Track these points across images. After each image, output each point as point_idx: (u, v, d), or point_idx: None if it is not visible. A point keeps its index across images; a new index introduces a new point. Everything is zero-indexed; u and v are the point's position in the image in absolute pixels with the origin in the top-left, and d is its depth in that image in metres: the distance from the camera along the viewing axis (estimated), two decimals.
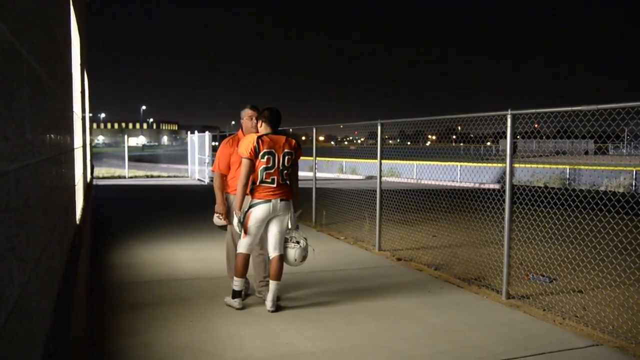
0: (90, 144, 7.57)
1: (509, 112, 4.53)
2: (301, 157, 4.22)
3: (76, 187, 2.89)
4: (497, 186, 13.03)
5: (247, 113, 4.47)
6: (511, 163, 4.56)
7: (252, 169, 3.97)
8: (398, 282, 5.00)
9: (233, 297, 4.07)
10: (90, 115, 7.42)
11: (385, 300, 4.35)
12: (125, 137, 21.63)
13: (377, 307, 4.17)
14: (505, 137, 4.60)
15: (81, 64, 4.03)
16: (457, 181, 17.03)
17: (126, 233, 7.39)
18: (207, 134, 16.50)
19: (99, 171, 19.54)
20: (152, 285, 4.71)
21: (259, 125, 4.15)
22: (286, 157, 4.03)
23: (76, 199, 2.84)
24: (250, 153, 3.94)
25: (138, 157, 34.48)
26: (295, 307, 4.14)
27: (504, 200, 4.61)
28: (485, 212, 5.34)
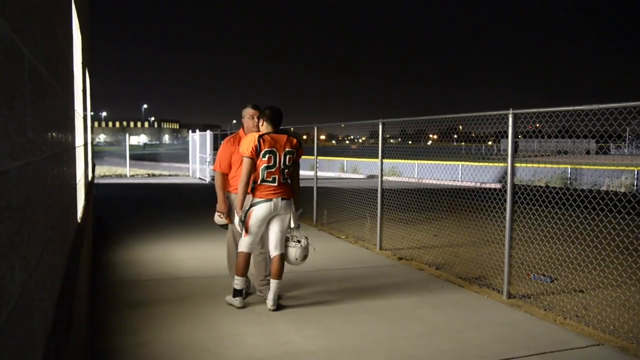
0: (92, 143, 7.58)
1: (511, 111, 4.53)
2: (302, 156, 4.22)
3: (77, 186, 2.89)
4: (498, 186, 13.02)
5: (248, 112, 4.47)
6: (512, 162, 4.56)
7: (253, 167, 3.97)
8: (399, 281, 5.00)
9: (234, 296, 4.07)
10: (92, 113, 7.42)
11: (386, 300, 4.35)
12: (127, 135, 21.65)
13: (378, 306, 4.17)
14: (507, 137, 4.59)
15: (82, 62, 4.04)
16: (458, 180, 17.02)
17: (127, 231, 7.40)
18: (208, 133, 16.51)
19: (100, 170, 19.56)
20: (153, 284, 4.72)
21: (260, 124, 4.15)
22: (287, 156, 4.02)
23: (77, 197, 2.84)
24: (251, 152, 3.94)
25: (139, 156, 34.48)
26: (296, 306, 4.14)
27: (505, 200, 4.60)
28: (486, 211, 5.34)
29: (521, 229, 6.08)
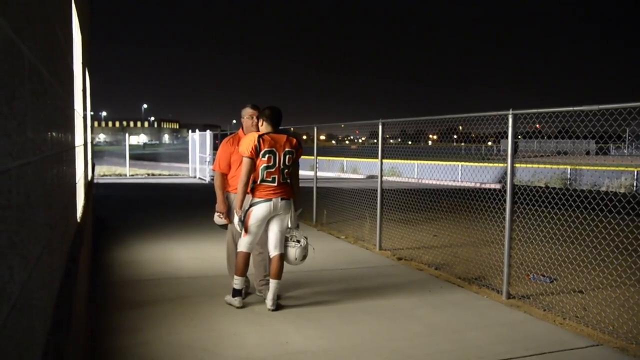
0: (92, 142, 7.59)
1: (511, 112, 4.53)
2: (302, 156, 4.22)
3: (77, 185, 2.90)
4: (498, 186, 13.01)
5: (247, 112, 4.47)
6: (512, 163, 4.56)
7: (253, 167, 3.97)
8: (399, 282, 5.00)
9: (233, 296, 4.07)
10: (92, 113, 7.43)
11: (386, 300, 4.35)
12: (127, 135, 21.65)
13: (378, 306, 4.17)
14: (507, 137, 4.60)
15: (82, 62, 4.04)
16: (458, 181, 17.03)
17: (127, 231, 7.40)
18: (208, 133, 16.51)
19: (100, 169, 19.56)
20: (152, 284, 4.72)
21: (259, 124, 4.15)
22: (287, 156, 4.03)
23: (77, 196, 2.84)
24: (251, 152, 3.94)
25: (139, 156, 34.49)
26: (295, 306, 4.14)
27: (504, 200, 4.60)
28: (486, 212, 5.34)
29: (521, 230, 6.08)
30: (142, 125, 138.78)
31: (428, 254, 6.16)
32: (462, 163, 19.37)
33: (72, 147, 2.42)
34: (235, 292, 4.07)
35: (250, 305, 4.13)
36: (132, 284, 4.70)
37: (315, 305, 4.17)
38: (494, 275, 5.01)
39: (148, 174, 19.61)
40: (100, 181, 15.79)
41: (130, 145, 21.33)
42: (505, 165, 4.63)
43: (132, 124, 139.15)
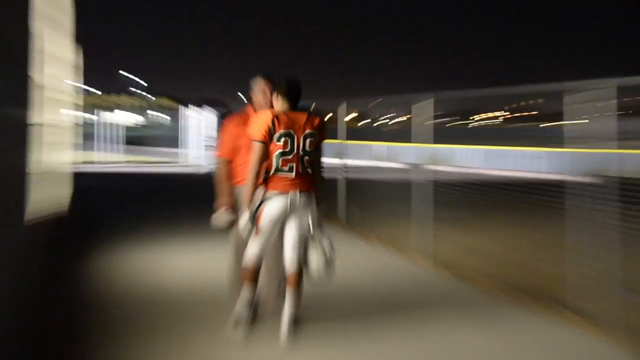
0: (75, 122, 7.68)
1: (614, 80, 4.34)
2: (326, 140, 4.18)
3: (31, 174, 2.84)
4: (594, 180, 12.63)
5: (259, 85, 4.42)
6: (615, 148, 4.40)
7: (265, 154, 3.94)
8: (445, 298, 5.01)
9: (236, 325, 4.01)
10: (82, 87, 7.52)
11: (429, 320, 4.36)
12: (105, 112, 22.03)
13: (418, 327, 4.19)
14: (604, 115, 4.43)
15: (75, 36, 4.03)
16: (533, 171, 16.68)
17: (100, 233, 7.53)
18: (208, 110, 16.61)
19: (77, 155, 19.97)
20: (132, 306, 4.71)
21: (273, 99, 4.12)
22: (307, 140, 3.99)
23: (30, 188, 2.78)
24: (263, 135, 3.92)
25: (128, 140, 35.45)
26: (318, 337, 4.06)
27: (600, 198, 4.45)
28: (567, 211, 5.14)
29: (622, 236, 5.83)
30: (130, 100, 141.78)
31: (484, 263, 6.10)
32: (540, 149, 18.91)
33: (25, 125, 2.33)
34: (239, 320, 4.01)
35: (258, 337, 4.03)
36: (105, 307, 4.69)
37: (343, 333, 4.12)
38: (569, 292, 4.82)
39: (130, 162, 19.98)
40: (77, 169, 16.11)
41: (112, 125, 21.71)
42: (605, 150, 4.46)
43: (118, 99, 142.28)
